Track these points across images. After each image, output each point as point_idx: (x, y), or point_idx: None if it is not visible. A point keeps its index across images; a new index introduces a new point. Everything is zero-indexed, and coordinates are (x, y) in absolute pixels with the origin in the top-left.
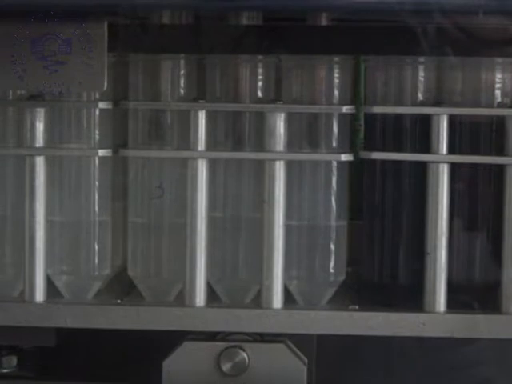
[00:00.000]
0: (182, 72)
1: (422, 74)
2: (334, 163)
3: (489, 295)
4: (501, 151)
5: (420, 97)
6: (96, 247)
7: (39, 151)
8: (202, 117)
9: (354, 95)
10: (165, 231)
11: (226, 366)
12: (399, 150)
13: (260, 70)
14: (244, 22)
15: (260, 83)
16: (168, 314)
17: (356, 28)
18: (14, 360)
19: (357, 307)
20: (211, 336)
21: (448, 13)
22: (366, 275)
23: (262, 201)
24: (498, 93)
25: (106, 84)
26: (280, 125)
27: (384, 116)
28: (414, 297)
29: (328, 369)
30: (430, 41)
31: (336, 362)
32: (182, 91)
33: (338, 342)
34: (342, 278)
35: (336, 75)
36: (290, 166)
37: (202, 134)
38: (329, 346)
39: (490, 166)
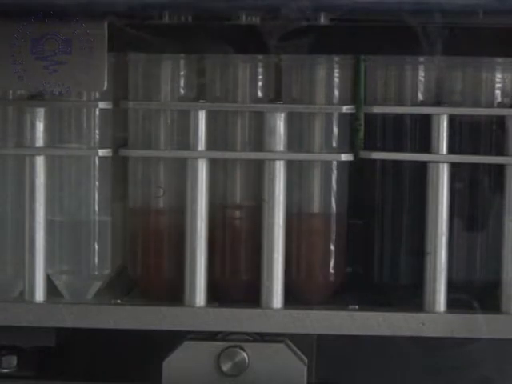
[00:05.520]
0: (182, 72)
1: (421, 74)
2: (334, 163)
3: (489, 295)
4: (501, 151)
5: (420, 97)
6: (96, 247)
7: (39, 151)
8: (202, 117)
9: (354, 95)
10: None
11: (226, 366)
12: (399, 149)
13: (260, 70)
14: (244, 21)
15: (260, 83)
16: (168, 314)
17: (356, 28)
18: (14, 360)
19: (357, 307)
20: (211, 336)
21: (448, 13)
22: (366, 275)
23: (262, 201)
24: (498, 93)
25: (106, 84)
26: (280, 125)
27: (384, 116)
28: (413, 297)
29: (328, 369)
30: (430, 41)
31: (336, 362)
32: (181, 91)
33: (337, 342)
34: (340, 277)
35: (336, 75)
36: (289, 166)
37: (202, 134)
38: (329, 345)
39: (490, 165)
